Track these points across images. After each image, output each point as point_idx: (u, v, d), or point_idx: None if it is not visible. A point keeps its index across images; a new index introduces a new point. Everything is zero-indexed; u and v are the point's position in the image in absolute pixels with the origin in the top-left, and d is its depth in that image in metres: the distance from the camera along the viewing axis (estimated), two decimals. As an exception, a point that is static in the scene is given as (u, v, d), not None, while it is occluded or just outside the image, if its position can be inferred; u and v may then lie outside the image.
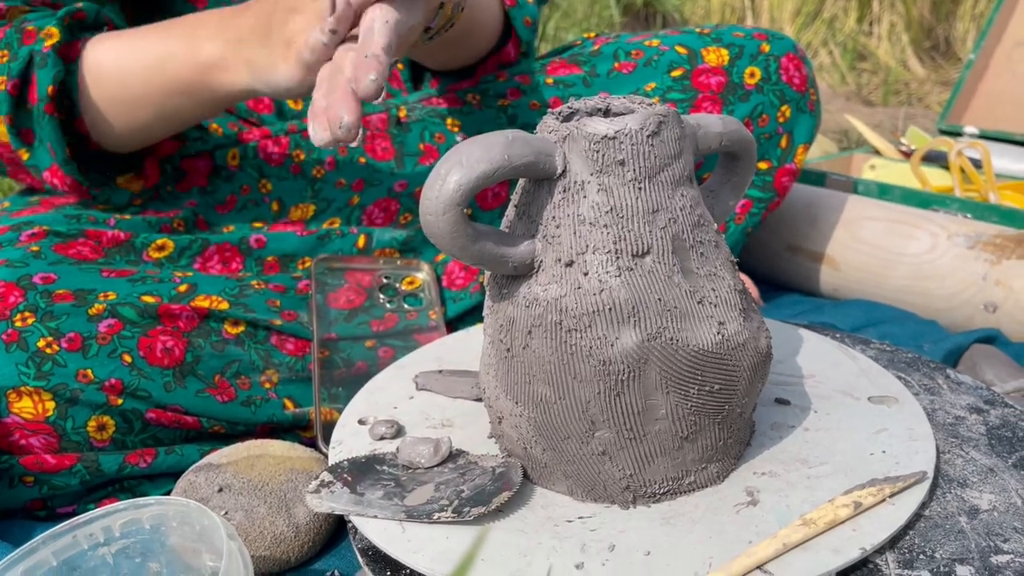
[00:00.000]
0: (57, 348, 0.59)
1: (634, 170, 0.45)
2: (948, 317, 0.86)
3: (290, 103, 0.87)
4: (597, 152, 0.45)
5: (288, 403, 0.67)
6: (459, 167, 0.43)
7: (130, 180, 0.77)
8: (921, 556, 0.44)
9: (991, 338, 0.80)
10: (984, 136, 1.19)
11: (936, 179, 1.09)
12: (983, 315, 0.83)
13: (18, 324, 0.59)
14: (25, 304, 0.60)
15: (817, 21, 2.43)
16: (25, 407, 0.58)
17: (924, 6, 2.38)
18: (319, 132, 0.54)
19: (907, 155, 1.19)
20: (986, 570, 0.43)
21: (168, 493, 0.63)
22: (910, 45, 2.35)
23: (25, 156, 0.70)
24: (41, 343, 0.59)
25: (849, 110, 1.98)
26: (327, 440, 0.63)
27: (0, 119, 0.68)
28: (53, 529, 0.45)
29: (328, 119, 0.53)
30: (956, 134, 1.23)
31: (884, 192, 0.99)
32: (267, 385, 0.67)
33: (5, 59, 0.67)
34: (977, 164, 1.07)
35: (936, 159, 1.11)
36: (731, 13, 2.57)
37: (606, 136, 0.45)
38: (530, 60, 0.88)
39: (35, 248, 0.65)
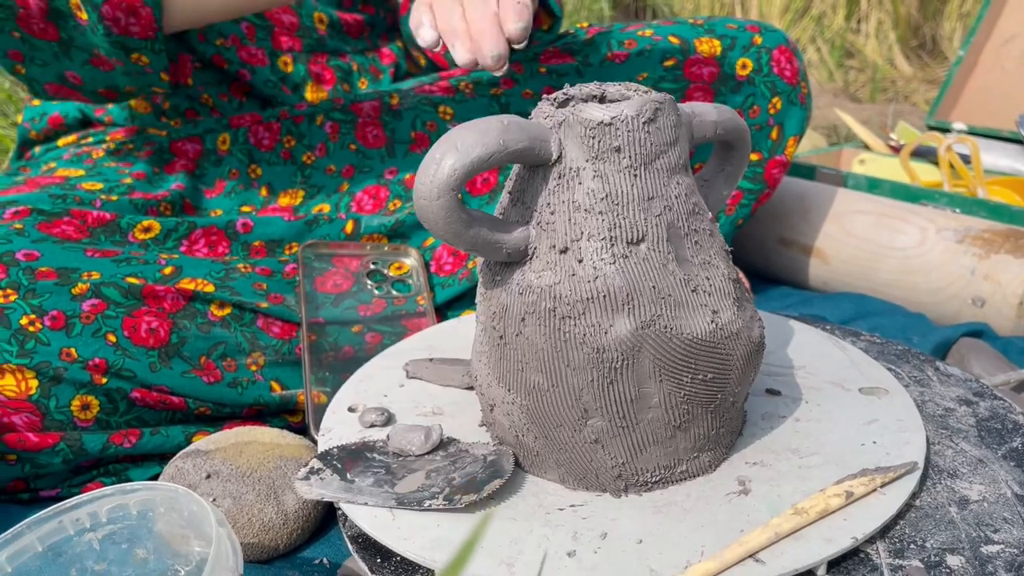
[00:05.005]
0: (40, 326, 0.58)
1: (630, 157, 0.45)
2: (936, 311, 0.87)
3: (281, 64, 0.86)
4: (593, 138, 0.45)
5: (275, 385, 0.67)
6: (454, 151, 0.42)
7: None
8: (912, 546, 0.44)
9: (979, 332, 0.80)
10: (972, 132, 1.20)
11: (925, 174, 1.09)
12: (971, 309, 0.84)
13: (0, 300, 0.58)
14: (7, 281, 0.59)
15: (805, 18, 2.44)
16: (8, 384, 0.57)
17: (911, 4, 2.38)
18: (462, 53, 0.58)
19: (896, 150, 1.19)
20: (976, 560, 0.43)
21: (154, 477, 0.62)
22: (897, 43, 2.36)
23: None
24: (24, 320, 0.58)
25: (837, 106, 1.99)
26: (317, 426, 0.62)
27: None
28: (38, 514, 0.45)
29: (477, 48, 0.57)
30: (944, 130, 1.23)
31: (873, 186, 0.99)
32: (253, 367, 0.66)
33: None
34: (966, 159, 1.08)
35: (925, 154, 1.12)
36: (720, 9, 2.57)
37: (602, 122, 0.44)
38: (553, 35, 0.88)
39: (18, 226, 0.65)
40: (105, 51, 0.71)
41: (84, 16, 0.67)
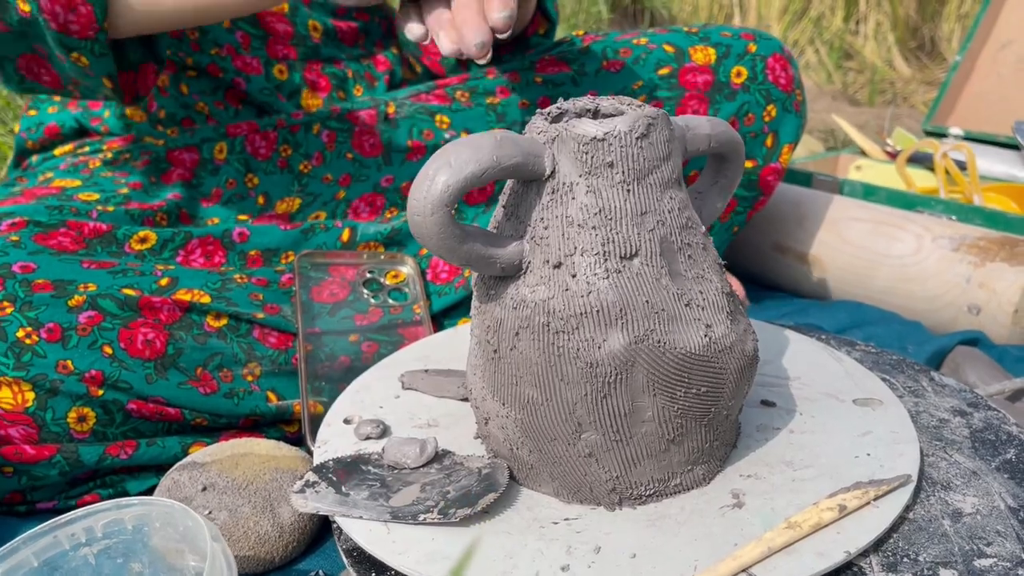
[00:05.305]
0: (37, 339, 0.59)
1: (623, 172, 0.45)
2: (932, 319, 0.87)
3: (276, 72, 0.86)
4: (586, 154, 0.45)
5: (271, 396, 0.67)
6: (447, 168, 0.43)
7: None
8: (905, 559, 0.44)
9: (974, 340, 0.81)
10: (969, 138, 1.20)
11: (921, 180, 1.09)
12: (967, 317, 0.84)
13: None
14: (3, 293, 0.60)
15: (804, 19, 2.44)
16: (4, 397, 0.57)
17: (910, 5, 2.39)
18: (446, 43, 0.58)
19: (893, 156, 1.20)
20: (969, 574, 0.43)
21: (150, 488, 0.62)
22: (896, 44, 2.36)
23: None
24: (20, 333, 0.58)
25: (835, 109, 1.99)
26: (314, 436, 0.63)
27: None
28: (34, 529, 0.45)
29: (460, 37, 0.57)
30: (941, 135, 1.24)
31: (869, 193, 0.99)
32: (249, 378, 0.66)
33: None
34: (962, 166, 1.08)
35: (921, 160, 1.12)
36: (719, 10, 2.58)
37: (595, 138, 0.44)
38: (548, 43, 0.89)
39: (15, 238, 0.65)
40: (51, 46, 0.67)
41: (27, 8, 0.65)
